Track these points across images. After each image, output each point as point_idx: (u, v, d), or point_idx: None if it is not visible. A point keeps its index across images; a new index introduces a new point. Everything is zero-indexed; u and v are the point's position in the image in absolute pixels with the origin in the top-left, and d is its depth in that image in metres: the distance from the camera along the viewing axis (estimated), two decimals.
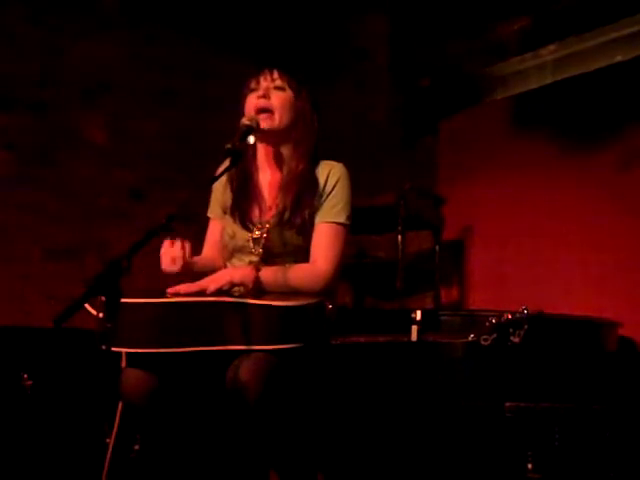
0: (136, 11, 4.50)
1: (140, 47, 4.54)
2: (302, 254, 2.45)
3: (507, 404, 2.99)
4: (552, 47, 4.40)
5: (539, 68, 4.46)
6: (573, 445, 3.04)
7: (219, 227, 2.60)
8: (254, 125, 2.42)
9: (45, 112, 4.28)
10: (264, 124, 2.45)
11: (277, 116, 2.46)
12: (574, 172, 4.24)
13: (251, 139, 2.39)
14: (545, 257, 4.27)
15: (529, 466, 2.95)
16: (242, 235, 2.49)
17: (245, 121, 2.42)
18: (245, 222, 2.49)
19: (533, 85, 4.49)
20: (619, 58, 4.05)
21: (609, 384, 3.28)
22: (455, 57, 4.93)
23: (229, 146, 2.33)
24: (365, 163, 4.69)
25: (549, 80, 4.40)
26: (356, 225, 2.54)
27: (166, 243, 2.38)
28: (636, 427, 3.30)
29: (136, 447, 2.75)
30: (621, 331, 3.55)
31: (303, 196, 2.45)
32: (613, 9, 4.06)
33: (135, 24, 4.51)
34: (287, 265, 2.41)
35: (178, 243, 2.37)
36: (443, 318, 3.24)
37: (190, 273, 2.46)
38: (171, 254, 2.37)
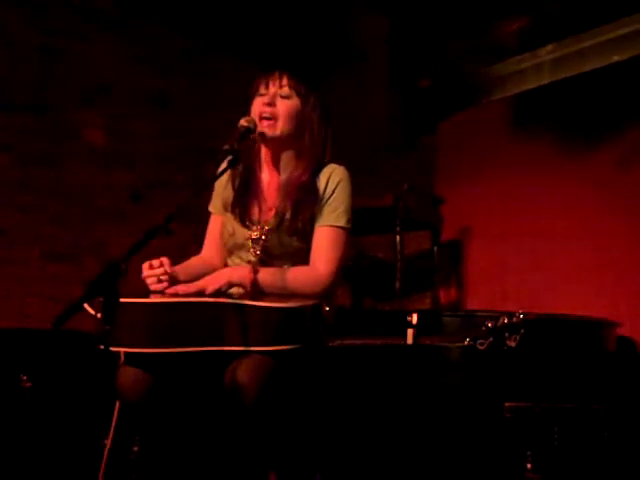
0: (135, 12, 4.51)
1: (139, 48, 4.54)
2: (301, 256, 2.45)
3: (506, 404, 2.99)
4: (550, 47, 4.40)
5: (537, 68, 4.46)
6: (572, 445, 3.04)
7: (220, 222, 2.60)
8: (252, 126, 2.43)
9: (44, 114, 4.29)
10: (266, 131, 2.45)
11: (280, 124, 2.46)
12: (573, 172, 4.24)
13: (254, 139, 2.41)
14: (544, 257, 4.27)
15: (528, 466, 2.95)
16: (242, 233, 2.50)
17: (243, 122, 2.43)
18: (245, 220, 2.49)
19: (531, 85, 4.50)
20: (616, 58, 4.06)
21: (608, 384, 3.28)
22: (454, 57, 4.93)
23: (227, 147, 2.34)
24: (364, 163, 4.69)
25: (547, 80, 4.40)
26: (355, 226, 2.54)
27: (145, 266, 2.38)
28: (635, 427, 3.31)
29: (135, 449, 2.75)
30: (620, 331, 3.55)
31: (303, 202, 2.45)
32: (610, 9, 4.06)
33: (134, 25, 4.52)
34: (286, 267, 2.42)
35: (156, 262, 2.38)
36: (441, 319, 3.24)
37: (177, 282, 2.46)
38: (155, 274, 2.37)
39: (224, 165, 2.40)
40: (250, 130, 2.43)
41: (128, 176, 4.45)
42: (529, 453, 2.94)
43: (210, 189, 2.63)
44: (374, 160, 4.94)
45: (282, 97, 2.48)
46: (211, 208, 2.66)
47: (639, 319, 3.73)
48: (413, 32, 5.06)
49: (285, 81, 2.49)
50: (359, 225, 2.56)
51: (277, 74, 2.50)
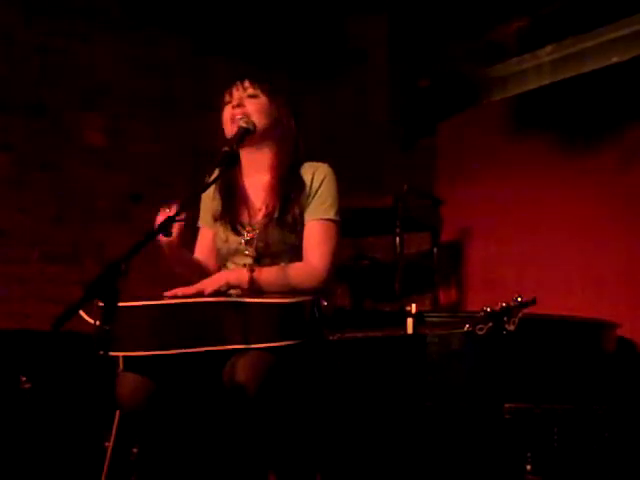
0: (136, 14, 4.51)
1: (139, 50, 4.54)
2: (296, 252, 2.46)
3: (506, 405, 2.99)
4: (549, 48, 4.41)
5: (537, 69, 4.47)
6: (572, 446, 3.05)
7: (209, 235, 2.62)
8: (251, 127, 2.45)
9: (44, 114, 4.29)
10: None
11: (253, 121, 2.48)
12: (573, 173, 4.24)
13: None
14: (544, 258, 4.27)
15: (528, 467, 2.95)
16: (235, 239, 2.50)
17: (242, 124, 2.45)
18: (236, 226, 2.51)
19: (531, 86, 4.50)
20: (616, 59, 4.06)
21: (608, 385, 3.28)
22: (454, 58, 4.93)
23: (227, 149, 2.36)
24: (364, 164, 4.69)
25: (547, 81, 4.41)
26: (355, 227, 2.55)
27: (163, 211, 2.36)
28: (635, 428, 3.31)
29: (135, 450, 2.75)
30: (620, 332, 3.55)
31: (291, 195, 2.48)
32: (610, 10, 4.07)
33: (135, 27, 4.52)
34: (282, 265, 2.42)
35: (174, 209, 2.33)
36: (441, 320, 3.23)
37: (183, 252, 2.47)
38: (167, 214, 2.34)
39: (216, 174, 2.42)
40: (249, 131, 2.45)
41: (128, 176, 4.45)
42: (529, 454, 2.94)
43: (200, 197, 2.64)
44: (374, 160, 4.94)
45: (249, 97, 2.52)
46: (200, 222, 2.68)
47: (639, 320, 3.73)
48: (413, 32, 5.06)
49: (248, 84, 2.54)
50: (359, 226, 2.57)
51: (238, 81, 2.55)
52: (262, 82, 2.54)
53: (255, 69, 2.61)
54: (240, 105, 2.50)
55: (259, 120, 2.49)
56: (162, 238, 2.26)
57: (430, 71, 5.09)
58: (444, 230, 4.61)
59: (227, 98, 2.54)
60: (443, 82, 5.04)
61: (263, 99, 2.52)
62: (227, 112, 2.53)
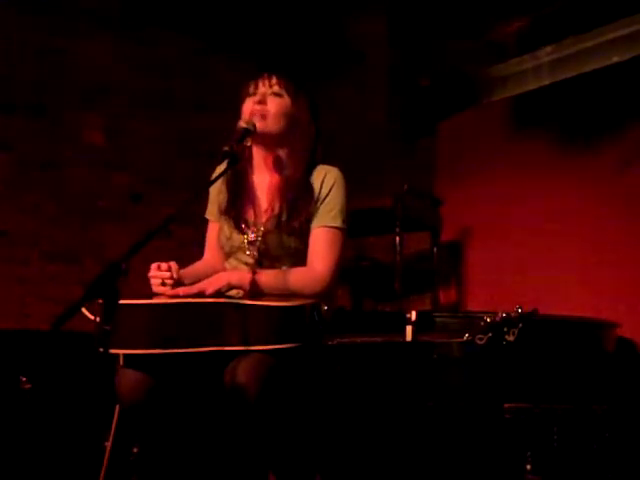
0: (136, 14, 4.51)
1: (139, 49, 4.54)
2: (299, 257, 2.45)
3: (506, 405, 3.00)
4: (549, 48, 4.41)
5: (537, 69, 4.47)
6: (572, 446, 3.05)
7: (217, 228, 2.61)
8: (251, 128, 2.43)
9: (44, 114, 4.29)
10: (258, 127, 2.46)
11: (270, 121, 2.46)
12: (572, 173, 4.25)
13: (247, 141, 2.41)
14: (544, 258, 4.27)
15: (528, 467, 2.95)
16: (238, 237, 2.50)
17: (242, 124, 2.43)
18: (239, 224, 2.50)
19: (531, 86, 4.51)
20: (616, 59, 4.07)
21: (608, 385, 3.29)
22: (454, 58, 4.94)
23: (226, 148, 2.35)
24: (364, 164, 4.69)
25: (546, 81, 4.41)
26: (354, 227, 2.54)
27: (153, 266, 2.39)
28: (635, 428, 3.31)
29: (135, 450, 2.75)
30: (620, 332, 3.55)
31: (299, 201, 2.46)
32: (610, 11, 4.07)
33: (135, 27, 4.52)
34: (285, 268, 2.42)
35: (165, 265, 2.39)
36: (440, 320, 3.24)
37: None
38: (160, 277, 2.38)
39: (221, 168, 2.41)
40: (249, 131, 2.43)
41: (128, 176, 4.45)
42: (529, 454, 2.94)
43: (208, 191, 2.63)
44: (374, 160, 4.94)
45: (273, 95, 2.49)
46: (208, 215, 2.67)
47: (638, 320, 3.74)
48: (413, 32, 5.06)
49: (275, 80, 2.50)
50: (359, 226, 2.55)
51: (266, 75, 2.52)
52: (288, 82, 2.51)
53: (283, 66, 2.57)
54: (262, 102, 2.47)
55: (277, 121, 2.46)
56: (159, 292, 2.34)
57: (430, 71, 5.10)
58: (444, 230, 4.62)
59: (251, 89, 2.51)
60: (443, 82, 5.04)
61: (286, 99, 2.49)
62: (248, 105, 2.49)
